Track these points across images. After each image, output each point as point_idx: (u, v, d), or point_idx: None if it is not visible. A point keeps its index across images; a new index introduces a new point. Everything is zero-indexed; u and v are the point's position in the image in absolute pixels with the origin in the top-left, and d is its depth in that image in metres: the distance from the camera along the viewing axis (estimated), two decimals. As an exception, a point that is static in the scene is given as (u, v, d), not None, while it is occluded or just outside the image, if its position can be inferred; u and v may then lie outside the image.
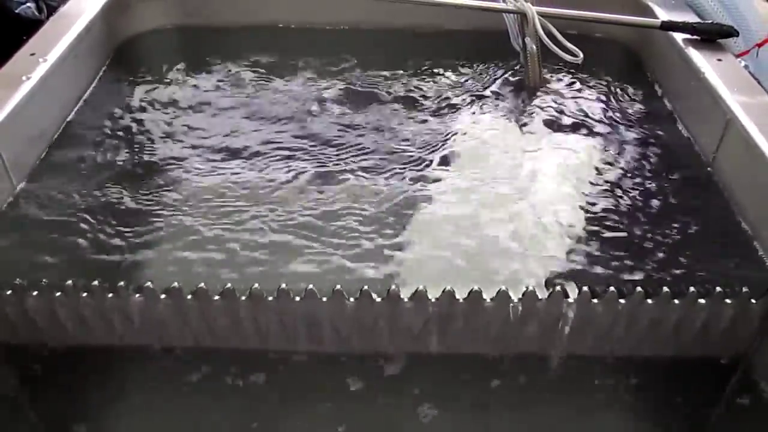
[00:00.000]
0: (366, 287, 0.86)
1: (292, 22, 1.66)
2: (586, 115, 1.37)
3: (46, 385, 0.89)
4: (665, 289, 0.87)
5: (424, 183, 1.16)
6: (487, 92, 1.44)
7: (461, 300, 0.87)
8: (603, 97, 1.43)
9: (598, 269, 0.99)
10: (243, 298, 0.86)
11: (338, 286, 0.86)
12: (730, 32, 1.35)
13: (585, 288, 0.87)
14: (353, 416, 0.86)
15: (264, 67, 1.52)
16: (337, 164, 1.21)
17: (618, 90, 1.45)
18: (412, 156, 1.24)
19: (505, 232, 1.06)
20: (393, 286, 0.86)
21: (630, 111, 1.38)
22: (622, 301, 0.87)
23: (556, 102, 1.41)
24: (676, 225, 1.07)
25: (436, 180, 1.18)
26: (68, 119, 1.29)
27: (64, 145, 1.22)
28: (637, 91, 1.45)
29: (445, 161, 1.23)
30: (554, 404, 0.90)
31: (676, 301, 0.88)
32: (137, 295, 0.87)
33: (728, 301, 0.88)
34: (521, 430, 0.88)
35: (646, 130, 1.32)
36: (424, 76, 1.50)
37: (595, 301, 0.87)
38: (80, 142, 1.24)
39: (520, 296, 0.87)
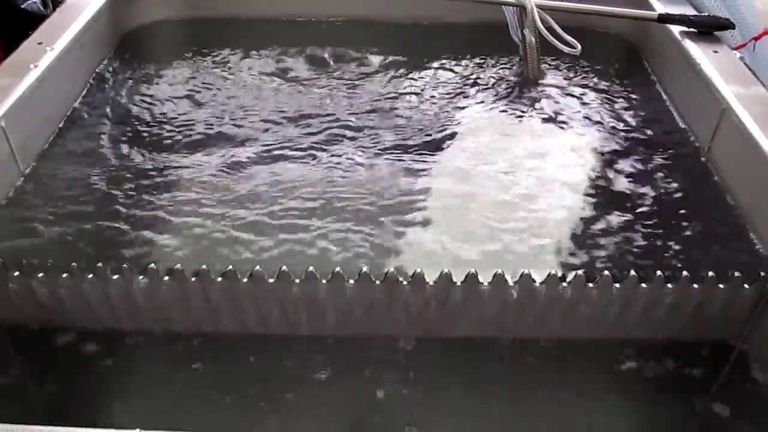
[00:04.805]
0: (365, 269, 0.88)
1: (293, 14, 1.68)
2: (585, 106, 1.38)
3: (49, 366, 0.91)
4: (659, 273, 0.89)
5: (423, 172, 1.18)
6: (487, 84, 1.45)
7: (458, 283, 0.89)
8: (601, 88, 1.44)
9: (594, 254, 1.01)
10: (244, 280, 0.88)
11: (338, 269, 0.88)
12: (727, 25, 1.36)
13: (580, 272, 0.89)
14: (355, 400, 0.88)
15: (265, 58, 1.54)
16: (336, 153, 1.22)
17: (616, 81, 1.47)
18: (412, 147, 1.25)
19: (504, 221, 1.07)
20: (391, 269, 0.88)
21: (627, 102, 1.40)
22: (616, 285, 0.89)
23: (554, 93, 1.42)
24: (670, 212, 1.09)
25: (436, 169, 1.19)
26: (74, 107, 1.31)
27: (70, 132, 1.25)
28: (634, 82, 1.47)
29: (444, 151, 1.24)
30: (549, 387, 0.91)
31: (670, 286, 0.89)
32: (141, 277, 0.89)
33: (721, 285, 0.90)
34: (518, 411, 0.90)
35: (643, 120, 1.34)
36: (423, 68, 1.51)
37: (590, 285, 0.89)
38: (85, 129, 1.26)
39: (516, 280, 0.88)
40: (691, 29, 1.37)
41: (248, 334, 0.94)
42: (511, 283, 0.88)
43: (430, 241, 1.03)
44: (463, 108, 1.37)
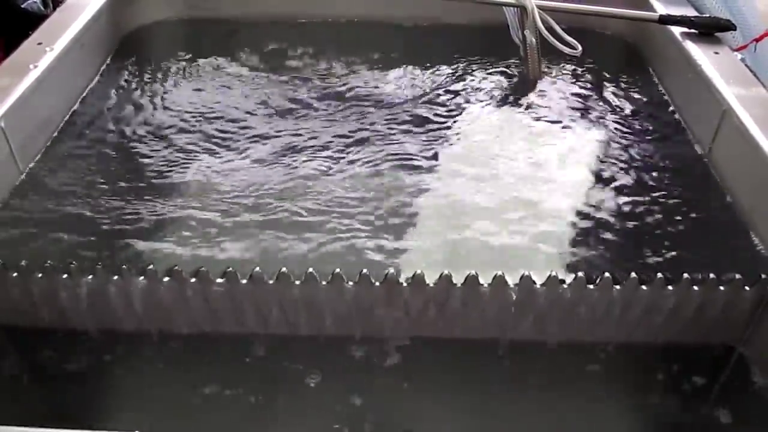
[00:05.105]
0: (365, 271, 0.88)
1: (293, 15, 1.67)
2: (585, 107, 1.38)
3: (48, 367, 0.91)
4: (659, 275, 0.88)
5: (421, 173, 1.18)
6: (487, 85, 1.45)
7: (458, 285, 0.88)
8: (602, 90, 1.44)
9: (594, 255, 1.01)
10: (244, 281, 0.88)
11: (338, 270, 0.88)
12: (728, 26, 1.36)
13: (580, 273, 0.89)
14: (354, 401, 0.88)
15: (266, 59, 1.54)
16: (336, 154, 1.22)
17: (616, 82, 1.46)
18: (410, 147, 1.25)
19: (502, 221, 1.07)
20: (391, 270, 0.88)
21: (628, 103, 1.39)
22: (616, 287, 0.89)
23: (555, 94, 1.42)
24: (671, 213, 1.09)
25: (435, 170, 1.19)
26: (74, 107, 1.31)
27: (70, 132, 1.24)
28: (635, 83, 1.46)
29: (443, 153, 1.24)
30: (548, 388, 0.91)
31: (670, 288, 0.89)
32: (140, 278, 0.89)
33: (722, 288, 0.90)
34: (517, 414, 0.90)
35: (644, 122, 1.33)
36: (423, 70, 1.51)
37: (590, 287, 0.89)
38: (85, 129, 1.26)
39: (517, 282, 0.88)
40: (692, 30, 1.37)
41: (248, 334, 0.94)
42: (511, 285, 0.88)
43: (429, 242, 1.03)
44: (462, 109, 1.37)
